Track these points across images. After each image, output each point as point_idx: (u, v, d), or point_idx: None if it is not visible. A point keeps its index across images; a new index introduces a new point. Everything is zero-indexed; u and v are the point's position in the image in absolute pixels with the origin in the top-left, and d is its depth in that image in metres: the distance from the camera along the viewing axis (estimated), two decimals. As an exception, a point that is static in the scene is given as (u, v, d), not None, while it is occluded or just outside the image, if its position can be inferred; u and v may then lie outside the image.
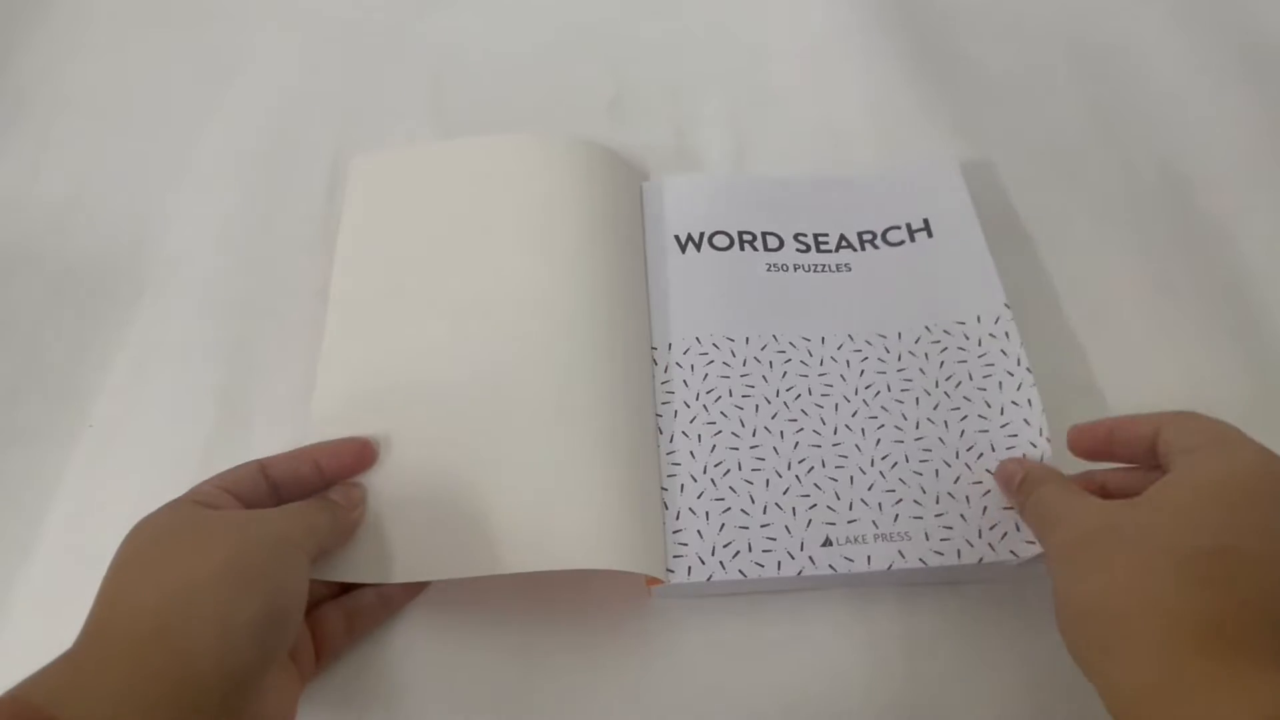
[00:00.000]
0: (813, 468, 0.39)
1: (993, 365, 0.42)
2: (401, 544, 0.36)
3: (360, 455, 0.38)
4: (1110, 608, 0.28)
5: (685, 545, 0.37)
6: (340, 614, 0.36)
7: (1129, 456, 0.35)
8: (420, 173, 0.47)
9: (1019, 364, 0.41)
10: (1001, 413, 0.40)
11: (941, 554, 0.37)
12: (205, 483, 0.34)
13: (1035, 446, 0.39)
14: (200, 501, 0.33)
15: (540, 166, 0.46)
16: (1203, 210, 0.50)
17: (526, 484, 0.37)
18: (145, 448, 0.42)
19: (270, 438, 0.42)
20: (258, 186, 0.51)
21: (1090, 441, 0.36)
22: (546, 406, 0.39)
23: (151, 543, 0.31)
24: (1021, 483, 0.35)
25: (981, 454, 0.39)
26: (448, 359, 0.41)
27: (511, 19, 0.60)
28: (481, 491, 0.37)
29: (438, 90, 0.56)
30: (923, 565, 0.37)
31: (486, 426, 0.39)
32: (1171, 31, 0.58)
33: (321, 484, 0.37)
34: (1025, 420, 0.40)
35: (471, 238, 0.44)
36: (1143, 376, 0.44)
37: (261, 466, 0.35)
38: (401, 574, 0.36)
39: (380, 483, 0.38)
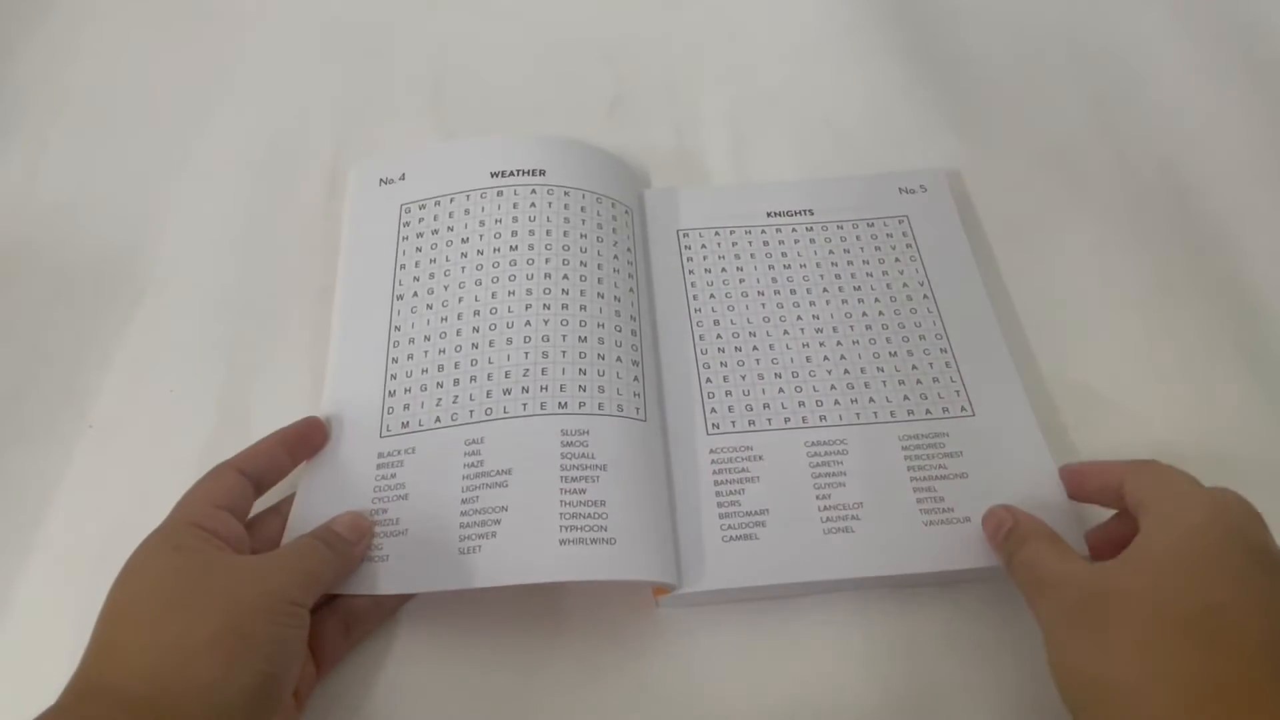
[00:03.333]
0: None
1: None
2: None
3: (320, 430, 0.39)
4: (1116, 680, 0.28)
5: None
6: (337, 620, 0.35)
7: (1102, 502, 0.37)
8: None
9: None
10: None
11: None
12: (198, 499, 0.34)
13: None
14: (198, 525, 0.32)
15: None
16: (1203, 210, 0.50)
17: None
18: (145, 448, 0.42)
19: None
20: (258, 186, 0.51)
21: (1068, 488, 0.38)
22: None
23: (146, 594, 0.30)
24: (1008, 534, 0.35)
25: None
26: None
27: (511, 19, 0.60)
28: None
29: (437, 90, 0.56)
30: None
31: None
32: (1171, 31, 0.58)
33: (292, 467, 0.38)
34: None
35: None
36: (1143, 376, 0.44)
37: (237, 468, 0.35)
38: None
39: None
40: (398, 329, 0.42)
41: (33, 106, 0.55)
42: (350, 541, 0.35)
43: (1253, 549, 0.29)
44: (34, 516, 0.40)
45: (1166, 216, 0.50)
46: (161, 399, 0.44)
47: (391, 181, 0.47)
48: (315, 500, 0.38)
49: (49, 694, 0.29)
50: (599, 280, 0.43)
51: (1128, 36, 0.58)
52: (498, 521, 0.36)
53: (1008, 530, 0.35)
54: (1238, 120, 0.54)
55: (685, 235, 0.47)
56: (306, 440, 0.39)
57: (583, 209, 0.45)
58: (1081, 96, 0.56)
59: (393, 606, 0.37)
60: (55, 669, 0.29)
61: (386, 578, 0.35)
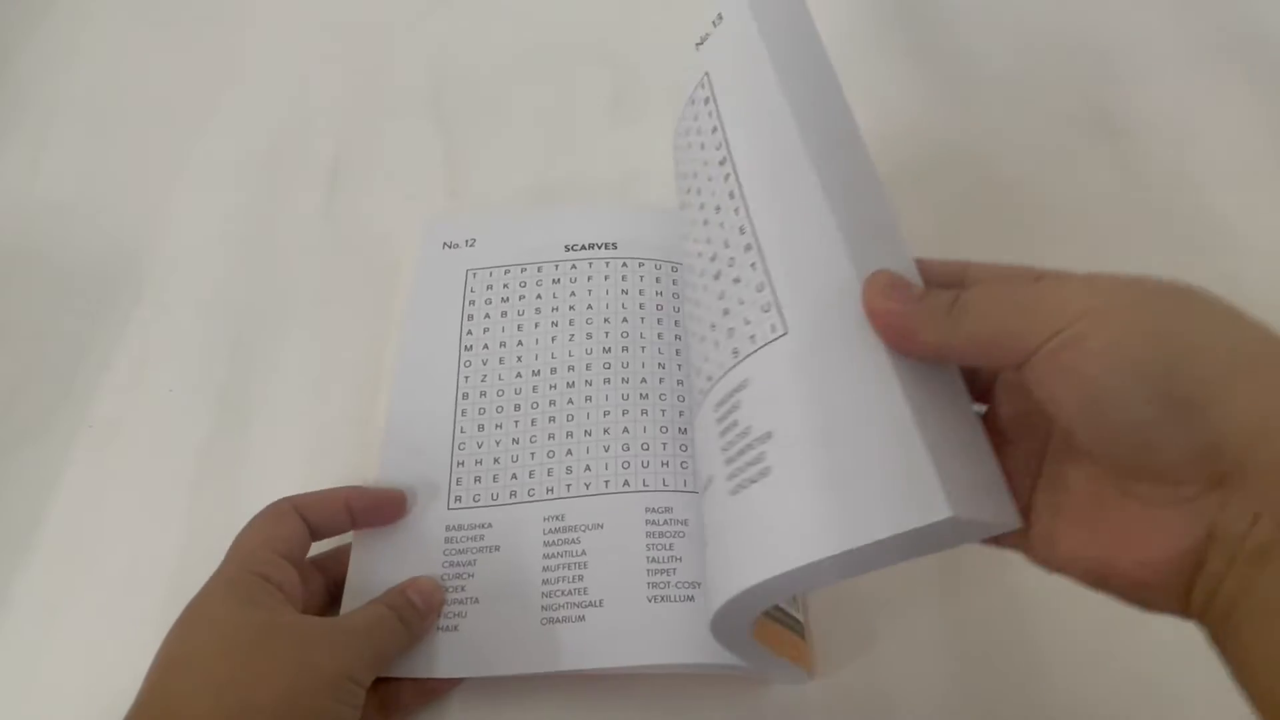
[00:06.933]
0: None
1: None
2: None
3: (398, 507, 0.37)
4: (1184, 363, 0.22)
5: None
6: (374, 702, 0.33)
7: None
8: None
9: None
10: None
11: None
12: (262, 544, 0.33)
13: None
14: (265, 576, 0.31)
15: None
16: (1203, 211, 0.50)
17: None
18: (145, 448, 0.42)
19: (270, 438, 0.42)
20: (258, 186, 0.51)
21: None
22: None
23: (213, 648, 0.30)
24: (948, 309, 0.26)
25: None
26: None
27: (511, 19, 0.60)
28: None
29: (437, 90, 0.56)
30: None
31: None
32: (1171, 31, 0.58)
33: (350, 528, 0.36)
34: None
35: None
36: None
37: (299, 512, 0.34)
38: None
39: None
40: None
41: (33, 106, 0.55)
42: (423, 614, 0.34)
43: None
44: (34, 516, 0.40)
45: (1166, 216, 0.50)
46: (161, 399, 0.44)
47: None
48: (374, 566, 0.36)
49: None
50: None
51: (1128, 36, 0.58)
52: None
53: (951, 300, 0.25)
54: (1238, 120, 0.54)
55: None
56: (378, 511, 0.37)
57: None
58: (1081, 96, 0.56)
59: (439, 693, 0.35)
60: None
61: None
